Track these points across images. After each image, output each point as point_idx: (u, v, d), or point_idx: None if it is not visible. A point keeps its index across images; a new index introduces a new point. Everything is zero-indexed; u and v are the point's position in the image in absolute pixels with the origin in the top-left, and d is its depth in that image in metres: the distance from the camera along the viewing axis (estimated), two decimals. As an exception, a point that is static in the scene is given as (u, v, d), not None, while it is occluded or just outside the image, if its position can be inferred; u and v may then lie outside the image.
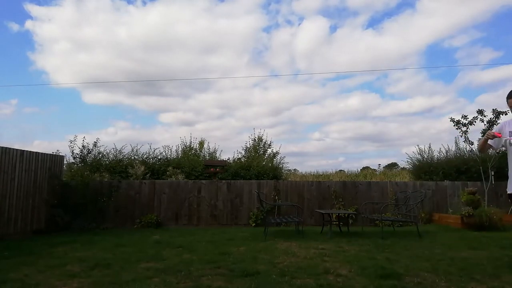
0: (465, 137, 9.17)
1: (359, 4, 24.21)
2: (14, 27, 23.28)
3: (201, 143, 12.90)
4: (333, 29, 26.72)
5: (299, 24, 26.32)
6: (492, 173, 8.84)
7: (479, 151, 3.55)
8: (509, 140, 3.34)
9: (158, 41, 22.51)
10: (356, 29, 26.14)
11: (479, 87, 27.37)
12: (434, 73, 34.45)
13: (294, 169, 18.17)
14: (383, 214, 7.98)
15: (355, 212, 8.26)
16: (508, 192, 3.39)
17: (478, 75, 26.92)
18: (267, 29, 26.05)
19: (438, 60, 26.10)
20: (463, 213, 7.49)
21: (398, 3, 24.89)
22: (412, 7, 24.62)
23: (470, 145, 9.31)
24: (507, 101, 3.43)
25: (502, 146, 3.53)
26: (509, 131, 3.37)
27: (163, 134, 24.80)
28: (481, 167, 8.90)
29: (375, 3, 24.12)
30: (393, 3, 24.92)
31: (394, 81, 28.68)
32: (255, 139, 13.44)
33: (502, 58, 25.99)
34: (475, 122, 8.99)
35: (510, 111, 3.42)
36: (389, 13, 25.62)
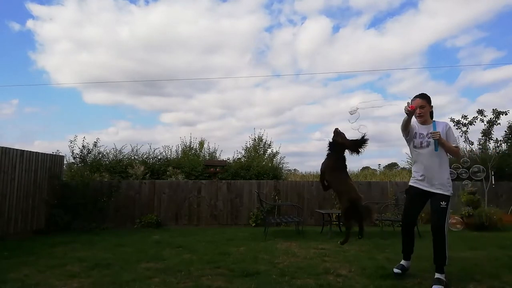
0: (465, 137, 9.16)
1: (363, 4, 24.21)
2: (16, 26, 23.27)
3: (201, 143, 12.90)
4: (336, 29, 26.71)
5: (302, 24, 26.32)
6: (492, 173, 8.84)
7: (403, 127, 3.61)
8: (413, 142, 3.58)
9: (160, 41, 22.49)
10: (358, 29, 26.14)
11: (481, 87, 27.32)
12: (436, 73, 34.42)
13: (294, 169, 18.13)
14: (383, 214, 7.98)
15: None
16: (409, 184, 3.69)
17: (480, 74, 26.86)
18: (269, 29, 26.04)
19: (440, 60, 26.07)
20: (463, 213, 7.49)
21: (402, 3, 24.87)
22: (415, 7, 24.61)
23: (470, 145, 9.31)
24: (412, 101, 3.63)
25: (410, 139, 3.67)
26: (419, 133, 3.58)
27: (163, 134, 24.77)
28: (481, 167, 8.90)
29: (379, 3, 24.12)
30: (397, 3, 24.91)
31: (396, 81, 28.62)
32: (255, 139, 13.43)
33: (505, 58, 25.97)
34: (475, 122, 8.99)
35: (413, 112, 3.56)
36: (391, 13, 25.63)
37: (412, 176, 3.69)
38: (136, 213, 8.62)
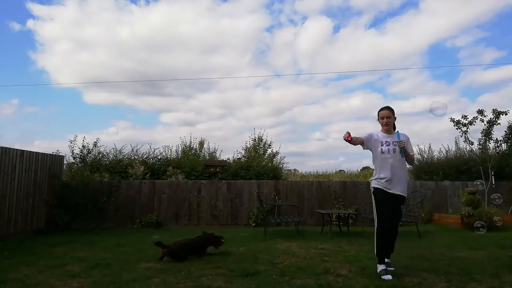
0: (465, 137, 9.15)
1: (363, 4, 24.22)
2: (16, 26, 23.29)
3: (201, 143, 12.90)
4: (336, 29, 26.73)
5: (302, 24, 26.34)
6: (492, 173, 8.84)
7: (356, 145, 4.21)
8: (380, 149, 3.97)
9: (160, 40, 22.51)
10: (359, 29, 26.16)
11: (482, 87, 27.30)
12: (437, 73, 34.42)
13: (294, 169, 18.14)
14: (383, 214, 7.97)
15: (355, 212, 8.25)
16: (372, 186, 4.09)
17: (480, 74, 26.87)
18: (269, 29, 26.07)
19: (441, 60, 26.07)
20: (463, 213, 7.49)
21: (402, 3, 24.90)
22: (415, 7, 24.62)
23: (470, 145, 9.29)
24: (378, 115, 4.13)
25: (368, 149, 4.09)
26: (385, 141, 3.99)
27: (164, 134, 24.79)
28: (481, 167, 8.89)
29: (379, 3, 24.13)
30: (397, 3, 24.93)
31: (396, 81, 28.61)
32: (255, 139, 13.43)
33: (506, 58, 25.95)
34: (475, 122, 8.97)
35: (380, 123, 4.12)
36: (392, 13, 25.64)
37: (376, 179, 4.03)
38: (136, 213, 8.62)
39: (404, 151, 3.89)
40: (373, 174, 4.12)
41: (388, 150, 3.93)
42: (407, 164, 4.11)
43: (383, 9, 24.82)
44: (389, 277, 3.65)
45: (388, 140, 3.98)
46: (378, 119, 4.14)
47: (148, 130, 27.09)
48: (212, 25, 22.50)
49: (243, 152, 12.98)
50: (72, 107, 26.91)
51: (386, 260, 3.94)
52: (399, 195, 3.91)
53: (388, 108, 4.07)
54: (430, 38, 24.74)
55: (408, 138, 4.07)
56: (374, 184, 4.04)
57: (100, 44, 22.35)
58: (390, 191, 3.89)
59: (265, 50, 26.90)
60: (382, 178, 3.96)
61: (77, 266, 4.27)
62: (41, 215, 7.71)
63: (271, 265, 4.24)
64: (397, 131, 4.01)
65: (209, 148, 12.50)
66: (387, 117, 4.02)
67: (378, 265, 3.87)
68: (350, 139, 3.80)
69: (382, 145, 3.98)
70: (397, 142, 3.87)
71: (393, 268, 3.90)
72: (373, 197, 4.05)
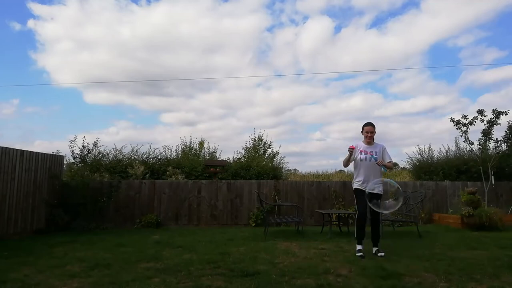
0: (465, 137, 9.16)
1: (365, 4, 24.23)
2: (16, 26, 23.31)
3: (201, 143, 12.88)
4: (338, 29, 26.76)
5: (303, 24, 26.34)
6: (492, 173, 8.84)
7: (344, 166, 5.23)
8: (359, 157, 4.91)
9: (161, 40, 22.55)
10: (360, 29, 26.17)
11: (482, 87, 27.34)
12: (438, 73, 34.54)
13: (294, 169, 18.15)
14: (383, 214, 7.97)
15: (355, 212, 8.24)
16: (354, 187, 5.03)
17: (481, 74, 26.94)
18: (270, 29, 26.09)
19: (442, 60, 26.13)
20: (463, 213, 7.48)
21: (404, 3, 24.94)
22: (417, 7, 24.63)
23: (470, 145, 9.29)
24: (362, 129, 5.05)
25: (353, 158, 4.99)
26: (364, 151, 4.94)
27: (164, 134, 24.81)
28: (481, 167, 8.89)
29: (381, 2, 24.14)
30: (399, 3, 24.97)
31: (397, 81, 28.67)
32: (255, 139, 13.43)
33: (507, 58, 25.97)
34: (475, 122, 8.97)
35: (364, 136, 5.06)
36: (393, 13, 25.66)
37: (356, 181, 5.00)
38: (136, 213, 8.62)
39: (384, 166, 4.83)
40: (354, 177, 5.10)
41: (366, 158, 4.88)
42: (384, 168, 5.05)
43: (384, 9, 24.87)
44: (361, 254, 4.67)
45: (367, 150, 4.93)
46: (362, 132, 5.06)
47: (149, 130, 27.13)
48: (213, 25, 22.54)
49: (243, 152, 12.98)
50: (73, 107, 26.94)
51: (375, 248, 4.87)
52: (374, 193, 4.80)
53: (371, 124, 5.01)
54: (431, 38, 24.80)
55: (385, 147, 5.01)
56: (354, 185, 5.04)
57: (101, 44, 22.40)
58: (367, 191, 4.80)
59: (266, 50, 26.96)
60: (359, 181, 4.94)
61: (77, 266, 4.27)
62: (41, 215, 7.71)
63: (271, 265, 4.24)
64: (372, 156, 4.89)
65: (209, 148, 12.50)
66: (371, 132, 4.97)
67: (356, 244, 4.86)
68: (353, 148, 4.88)
69: (361, 154, 4.91)
70: (376, 163, 4.82)
71: (383, 253, 4.73)
72: (354, 195, 5.05)
